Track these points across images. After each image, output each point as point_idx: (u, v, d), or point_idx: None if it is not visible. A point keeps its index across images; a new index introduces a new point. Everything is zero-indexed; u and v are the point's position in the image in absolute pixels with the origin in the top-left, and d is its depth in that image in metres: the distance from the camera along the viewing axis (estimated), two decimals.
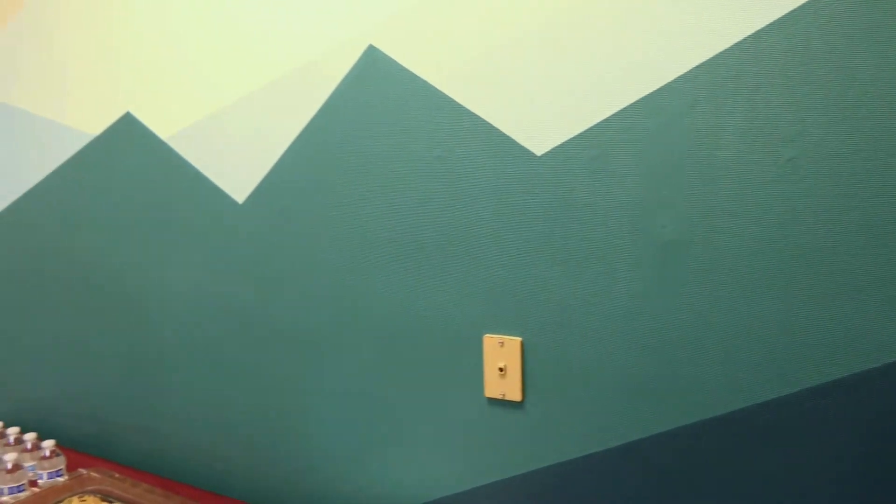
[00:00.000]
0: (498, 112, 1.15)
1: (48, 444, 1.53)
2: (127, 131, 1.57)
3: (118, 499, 1.36)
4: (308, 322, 1.39)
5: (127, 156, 1.58)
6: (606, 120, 1.07)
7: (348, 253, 1.32)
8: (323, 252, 1.35)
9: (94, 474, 1.46)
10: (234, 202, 1.45)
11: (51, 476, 1.51)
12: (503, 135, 1.15)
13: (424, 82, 1.20)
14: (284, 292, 1.41)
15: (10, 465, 1.45)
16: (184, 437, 1.60)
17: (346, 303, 1.34)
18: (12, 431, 1.62)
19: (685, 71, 1.02)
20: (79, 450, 1.78)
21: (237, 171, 1.43)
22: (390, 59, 1.23)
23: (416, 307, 1.27)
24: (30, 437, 1.57)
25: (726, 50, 0.99)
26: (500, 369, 1.20)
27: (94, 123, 1.62)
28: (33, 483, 1.50)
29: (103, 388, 1.72)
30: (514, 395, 1.20)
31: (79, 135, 1.65)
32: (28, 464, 1.51)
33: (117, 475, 1.45)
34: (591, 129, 1.08)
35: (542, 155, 1.12)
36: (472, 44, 1.16)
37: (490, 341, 1.21)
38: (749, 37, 0.97)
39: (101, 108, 1.60)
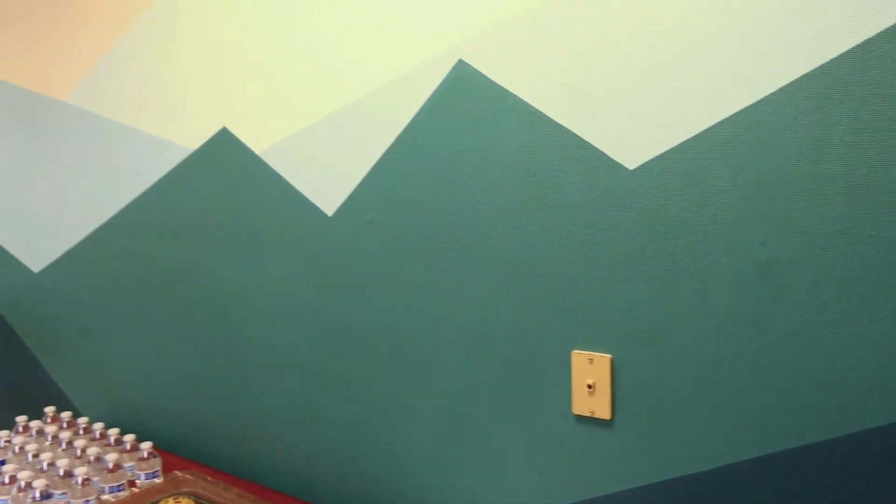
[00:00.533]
0: (589, 126, 1.14)
1: (146, 445, 1.60)
2: (223, 146, 1.63)
3: (211, 502, 1.41)
4: (396, 334, 1.41)
5: (222, 169, 1.64)
6: (703, 133, 1.04)
7: (436, 266, 1.33)
8: (410, 265, 1.37)
9: (188, 477, 1.51)
10: (323, 214, 1.48)
11: (148, 477, 1.57)
12: (594, 148, 1.14)
13: (514, 96, 1.20)
14: (372, 304, 1.43)
15: (111, 465, 1.52)
16: (271, 443, 1.64)
17: (434, 315, 1.35)
18: (112, 432, 1.69)
19: (787, 82, 0.98)
20: (173, 452, 1.85)
21: (327, 184, 1.46)
22: (480, 73, 1.23)
23: (504, 321, 1.26)
24: (129, 438, 1.63)
25: (831, 60, 0.95)
26: (589, 386, 1.19)
27: (193, 138, 1.69)
28: (132, 483, 1.57)
29: (196, 392, 1.78)
30: (604, 413, 1.18)
31: (178, 149, 1.72)
32: (127, 464, 1.58)
33: (210, 479, 1.50)
34: (686, 142, 1.06)
35: (635, 169, 1.10)
36: (562, 58, 1.15)
37: (579, 357, 1.19)
38: (856, 47, 0.93)
39: (198, 123, 1.67)
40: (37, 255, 2.16)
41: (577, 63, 1.14)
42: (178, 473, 1.53)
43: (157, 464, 1.59)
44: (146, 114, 1.78)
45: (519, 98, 1.20)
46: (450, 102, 1.28)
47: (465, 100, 1.26)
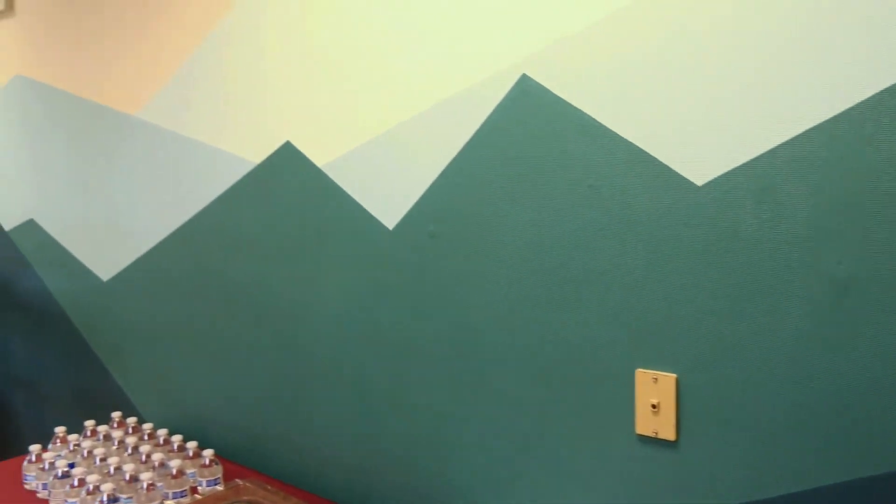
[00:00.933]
0: (656, 141, 1.12)
1: (208, 453, 1.62)
2: (286, 159, 1.66)
3: None
4: (456, 349, 1.40)
5: (285, 182, 1.67)
6: (776, 149, 1.01)
7: (497, 281, 1.33)
8: (471, 279, 1.36)
9: (248, 485, 1.53)
10: (384, 228, 1.49)
11: (209, 484, 1.60)
12: (661, 164, 1.12)
13: (578, 111, 1.19)
14: (432, 318, 1.43)
15: (174, 471, 1.55)
16: (329, 453, 1.66)
17: (495, 332, 1.34)
18: (176, 439, 1.73)
19: (865, 97, 0.95)
20: (233, 460, 1.88)
21: (388, 198, 1.47)
22: (543, 88, 1.23)
23: (566, 338, 1.25)
24: (191, 445, 1.67)
25: None
26: (653, 406, 1.16)
27: (257, 152, 1.72)
28: (193, 489, 1.60)
29: (257, 402, 1.81)
30: (668, 433, 1.15)
31: (242, 162, 1.76)
32: (189, 471, 1.61)
33: (270, 487, 1.51)
34: (758, 158, 1.03)
35: (704, 185, 1.08)
36: (628, 72, 1.14)
37: (643, 376, 1.17)
38: None
39: (263, 137, 1.70)
40: (106, 265, 2.23)
41: (644, 77, 1.12)
42: (239, 482, 1.55)
43: (218, 471, 1.62)
44: (212, 128, 1.82)
45: (583, 112, 1.19)
46: (513, 117, 1.27)
47: (528, 114, 1.25)
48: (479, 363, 1.37)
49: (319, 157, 1.59)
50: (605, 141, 1.17)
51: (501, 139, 1.29)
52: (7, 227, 2.66)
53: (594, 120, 1.18)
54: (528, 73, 1.24)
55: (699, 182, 1.09)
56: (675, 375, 1.14)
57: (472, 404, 1.39)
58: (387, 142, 1.46)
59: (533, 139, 1.25)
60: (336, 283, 1.59)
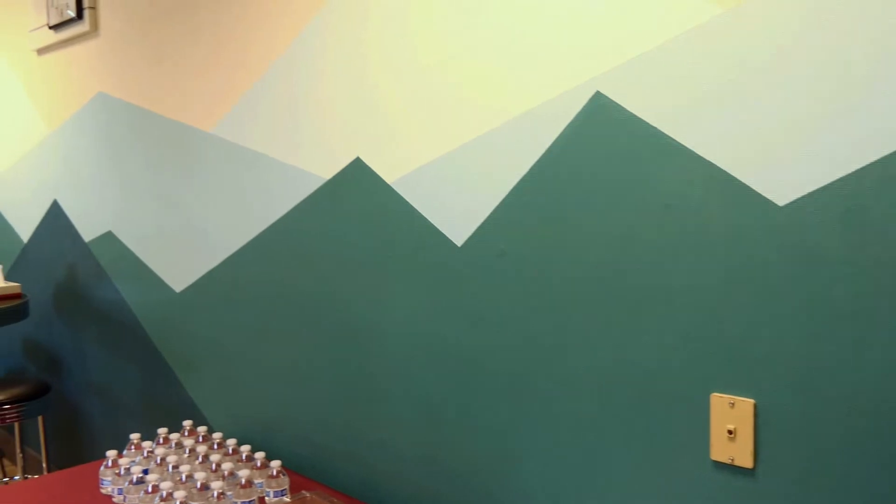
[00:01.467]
0: (735, 159, 1.09)
1: (275, 464, 1.65)
2: (356, 175, 1.69)
3: None
4: (523, 367, 1.39)
5: (354, 197, 1.69)
6: (865, 168, 0.98)
7: (567, 301, 1.31)
8: (541, 298, 1.35)
9: (315, 497, 1.55)
10: (453, 245, 1.49)
11: (276, 494, 1.62)
12: (740, 183, 1.09)
13: (654, 128, 1.17)
14: (500, 336, 1.42)
15: (243, 481, 1.58)
16: (393, 468, 1.66)
17: (564, 350, 1.33)
18: (244, 449, 1.76)
19: None
20: (298, 472, 1.91)
21: (457, 215, 1.48)
22: (618, 105, 1.21)
23: (637, 359, 1.22)
24: (259, 455, 1.69)
25: None
26: (730, 432, 1.13)
27: (327, 168, 1.75)
28: (261, 500, 1.62)
29: (323, 414, 1.83)
30: (745, 461, 1.12)
31: (313, 178, 1.79)
32: (257, 481, 1.64)
33: (335, 500, 1.53)
34: (845, 177, 0.99)
35: (786, 205, 1.05)
36: (706, 88, 1.12)
37: (719, 401, 1.14)
38: None
39: (333, 153, 1.73)
40: (179, 277, 2.30)
41: (723, 94, 1.10)
42: (306, 493, 1.57)
43: (285, 482, 1.64)
44: (284, 144, 1.87)
45: (659, 130, 1.17)
46: (585, 134, 1.26)
47: (602, 132, 1.24)
48: (546, 383, 1.36)
49: (389, 173, 1.61)
50: (682, 159, 1.15)
51: (574, 157, 1.28)
52: (87, 239, 2.77)
53: (671, 138, 1.16)
54: (602, 91, 1.23)
55: (780, 202, 1.05)
56: (753, 401, 1.10)
57: (539, 425, 1.37)
58: (457, 158, 1.47)
59: (606, 157, 1.24)
60: (403, 299, 1.60)
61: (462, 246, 1.48)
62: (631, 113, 1.20)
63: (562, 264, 1.32)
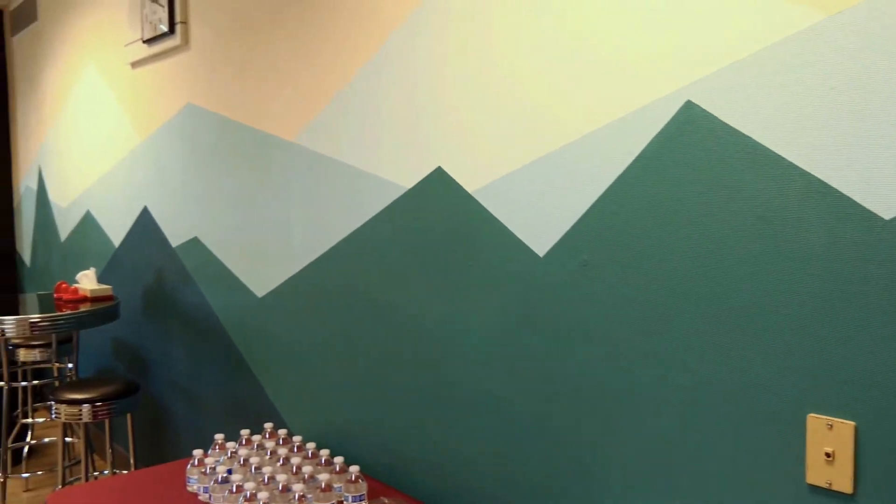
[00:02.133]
0: (835, 170, 1.05)
1: (354, 469, 1.67)
2: (437, 184, 1.70)
3: None
4: (604, 381, 1.37)
5: (435, 206, 1.70)
6: None
7: (652, 314, 1.29)
8: (624, 310, 1.33)
9: (392, 503, 1.56)
10: (534, 254, 1.48)
11: (355, 500, 1.64)
12: (842, 195, 1.05)
13: (748, 138, 1.14)
14: (582, 348, 1.41)
15: (323, 485, 1.60)
16: (468, 478, 1.66)
17: (650, 364, 1.30)
18: (323, 453, 1.79)
19: None
20: (375, 477, 1.92)
21: (540, 224, 1.47)
22: (710, 114, 1.18)
23: (729, 378, 1.19)
24: (338, 460, 1.72)
25: None
26: (827, 455, 1.08)
27: (408, 177, 1.77)
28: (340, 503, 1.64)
29: (399, 421, 1.84)
30: (844, 485, 1.07)
31: (393, 187, 1.81)
32: (336, 485, 1.66)
33: None
34: None
35: (892, 219, 1.00)
36: (805, 98, 1.08)
37: (816, 422, 1.09)
38: None
39: (415, 163, 1.75)
40: (261, 282, 2.36)
41: (823, 103, 1.06)
42: (385, 500, 1.58)
43: (363, 487, 1.66)
44: (365, 153, 1.89)
45: (754, 140, 1.13)
46: (675, 144, 1.24)
47: (692, 142, 1.21)
48: (629, 397, 1.33)
49: (470, 182, 1.61)
50: (778, 170, 1.11)
51: (663, 167, 1.26)
52: (174, 244, 2.88)
53: (766, 148, 1.12)
54: (694, 100, 1.20)
55: (887, 216, 1.01)
56: (853, 423, 1.05)
57: (621, 439, 1.35)
58: (541, 168, 1.46)
59: (697, 167, 1.21)
60: (483, 308, 1.60)
61: (544, 256, 1.47)
62: (724, 122, 1.17)
63: (648, 276, 1.29)
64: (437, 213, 1.70)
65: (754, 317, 1.15)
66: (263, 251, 2.34)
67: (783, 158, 1.10)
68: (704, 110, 1.19)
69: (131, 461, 2.65)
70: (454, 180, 1.65)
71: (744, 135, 1.15)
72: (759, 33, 1.13)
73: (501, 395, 1.57)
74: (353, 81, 1.93)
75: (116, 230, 3.39)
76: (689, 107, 1.21)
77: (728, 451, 1.20)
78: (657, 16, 1.25)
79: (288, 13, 2.16)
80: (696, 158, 1.21)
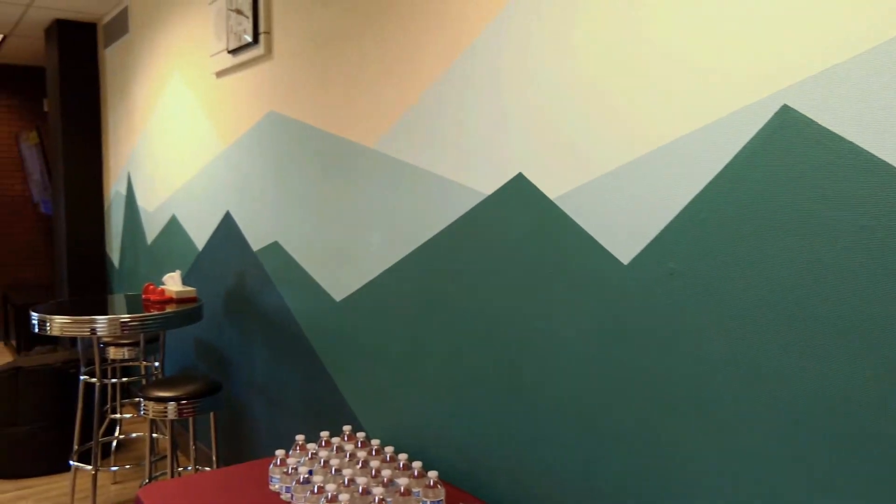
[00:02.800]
0: None
1: (432, 474, 1.67)
2: (517, 191, 1.69)
3: None
4: (692, 392, 1.33)
5: (516, 213, 1.69)
6: None
7: (742, 325, 1.25)
8: (713, 320, 1.29)
9: None
10: (618, 263, 1.46)
11: None
12: None
13: (851, 144, 1.09)
14: (668, 358, 1.37)
15: (402, 489, 1.61)
16: (549, 487, 1.64)
17: (740, 377, 1.26)
18: (402, 457, 1.80)
19: None
20: (452, 483, 1.93)
21: (624, 232, 1.44)
22: (808, 119, 1.14)
23: (826, 392, 1.14)
24: (416, 465, 1.73)
25: None
26: None
27: (488, 183, 1.77)
28: None
29: (477, 427, 1.84)
30: None
31: (474, 193, 1.81)
32: (415, 490, 1.67)
33: None
34: None
35: None
36: None
37: None
38: None
39: (495, 169, 1.74)
40: (340, 286, 2.40)
41: None
42: None
43: (441, 493, 1.66)
44: (445, 160, 1.90)
45: (857, 146, 1.08)
46: (770, 150, 1.19)
47: (789, 147, 1.17)
48: (719, 409, 1.29)
49: (552, 189, 1.60)
50: (885, 177, 1.06)
51: (756, 174, 1.22)
52: (255, 248, 2.96)
53: (869, 153, 1.07)
54: (791, 104, 1.16)
55: None
56: None
57: (711, 452, 1.31)
58: (627, 174, 1.43)
59: (793, 174, 1.16)
60: (564, 316, 1.58)
61: (629, 264, 1.44)
62: (823, 127, 1.12)
63: (739, 286, 1.25)
64: (518, 219, 1.69)
65: (856, 330, 1.10)
66: (342, 256, 2.38)
67: (888, 164, 1.05)
68: (802, 115, 1.15)
69: (213, 458, 2.73)
70: (535, 186, 1.64)
71: (845, 139, 1.10)
72: (861, 34, 1.08)
73: (585, 403, 1.55)
74: (433, 88, 1.94)
75: (200, 234, 3.51)
76: (785, 111, 1.17)
77: (832, 470, 1.15)
78: (753, 18, 1.21)
79: (370, 22, 2.19)
80: (792, 164, 1.17)
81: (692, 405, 1.34)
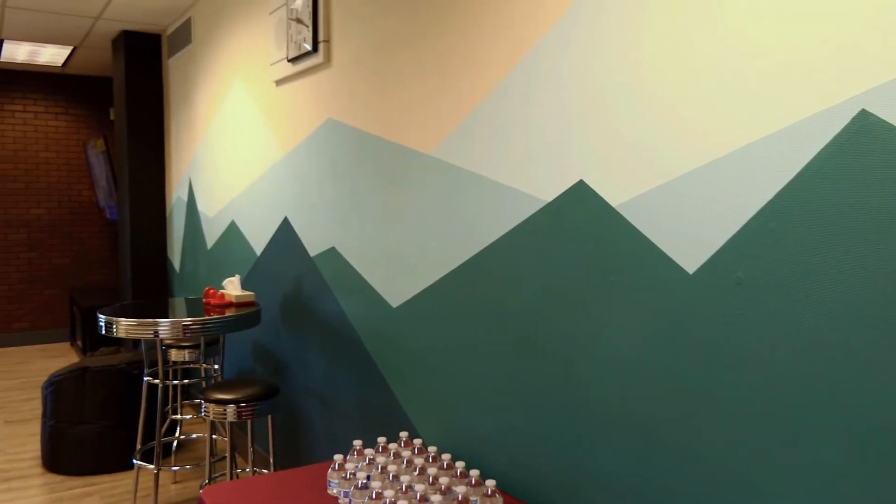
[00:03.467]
0: None
1: (490, 483, 1.66)
2: (578, 198, 1.67)
3: None
4: (760, 407, 1.29)
5: (575, 220, 1.67)
6: None
7: (816, 337, 1.20)
8: (783, 332, 1.25)
9: None
10: (683, 272, 1.43)
11: None
12: None
13: None
14: (734, 371, 1.34)
15: (460, 497, 1.60)
16: (608, 500, 1.61)
17: (812, 392, 1.21)
18: (459, 465, 1.79)
19: None
20: (509, 492, 1.91)
21: (689, 240, 1.41)
22: (888, 124, 1.10)
23: None
24: (474, 473, 1.72)
25: None
26: None
27: (548, 190, 1.75)
28: None
29: (534, 437, 1.82)
30: None
31: (533, 200, 1.80)
32: (473, 498, 1.66)
33: None
34: None
35: None
36: None
37: None
38: None
39: (555, 176, 1.73)
40: (396, 292, 2.41)
41: None
42: None
43: (499, 502, 1.65)
44: (503, 166, 1.89)
45: None
46: (846, 156, 1.15)
47: (867, 153, 1.12)
48: (787, 425, 1.25)
49: (614, 196, 1.58)
50: None
51: (831, 180, 1.17)
52: (312, 254, 3.00)
53: None
54: (869, 109, 1.12)
55: None
56: None
57: (779, 469, 1.27)
58: (693, 181, 1.40)
59: (872, 181, 1.12)
60: (625, 326, 1.56)
61: (693, 273, 1.41)
62: None
63: (811, 298, 1.21)
64: (578, 226, 1.67)
65: None
66: (399, 262, 2.39)
67: None
68: (882, 120, 1.11)
69: (271, 461, 2.76)
70: (597, 193, 1.62)
71: None
72: None
73: (647, 415, 1.52)
74: (492, 94, 1.93)
75: (258, 239, 3.57)
76: (863, 116, 1.13)
77: None
78: (830, 20, 1.18)
79: (428, 30, 2.20)
80: (871, 172, 1.12)
81: (761, 422, 1.29)
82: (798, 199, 1.22)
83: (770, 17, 1.26)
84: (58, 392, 3.57)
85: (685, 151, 1.42)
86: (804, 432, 1.23)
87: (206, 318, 2.77)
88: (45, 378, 5.45)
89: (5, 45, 5.43)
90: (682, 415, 1.44)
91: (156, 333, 2.70)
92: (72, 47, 5.55)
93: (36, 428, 4.27)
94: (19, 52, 5.71)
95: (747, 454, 1.32)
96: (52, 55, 5.81)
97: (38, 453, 3.85)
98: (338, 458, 1.83)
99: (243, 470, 3.25)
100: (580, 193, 1.67)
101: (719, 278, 1.36)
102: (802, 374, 1.23)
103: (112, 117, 6.87)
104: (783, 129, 1.24)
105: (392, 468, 1.76)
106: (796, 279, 1.23)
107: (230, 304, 3.09)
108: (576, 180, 1.67)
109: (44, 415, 3.64)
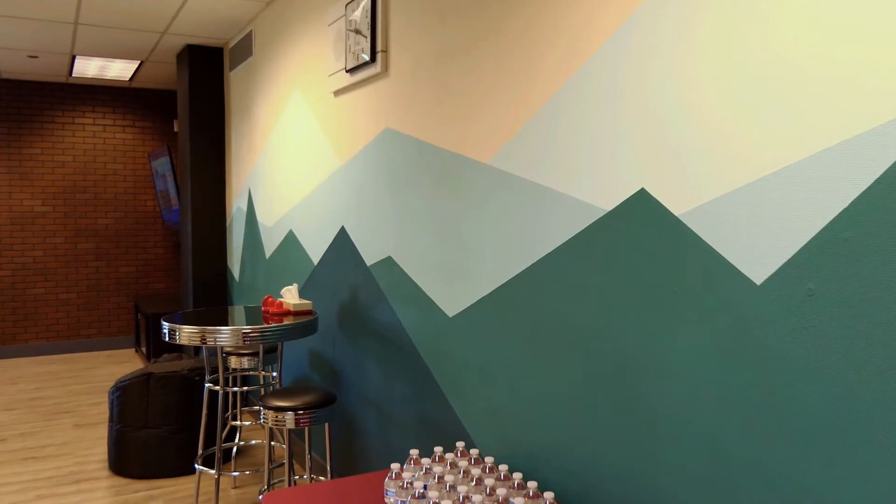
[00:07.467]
0: None
1: (548, 495, 1.64)
2: (639, 206, 1.64)
3: None
4: (833, 424, 1.24)
5: (637, 230, 1.64)
6: None
7: (894, 352, 1.15)
8: (858, 346, 1.20)
9: None
10: (751, 283, 1.38)
11: None
12: None
13: None
14: (805, 386, 1.28)
15: None
16: None
17: (886, 405, 1.16)
18: (516, 476, 1.77)
19: None
20: (563, 503, 1.88)
21: (758, 251, 1.37)
22: None
23: None
24: (531, 485, 1.69)
25: None
26: None
27: (608, 199, 1.72)
28: None
29: (593, 450, 1.78)
30: None
31: (592, 209, 1.77)
32: None
33: None
34: None
35: None
36: None
37: None
38: None
39: (615, 184, 1.70)
40: (452, 301, 2.41)
41: None
42: None
43: None
44: (562, 175, 1.87)
45: None
46: None
47: None
48: (864, 444, 1.19)
49: (677, 205, 1.54)
50: None
51: None
52: (368, 263, 3.02)
53: None
54: None
55: None
56: None
57: (854, 491, 1.21)
58: (761, 189, 1.36)
59: None
60: (690, 338, 1.51)
61: (762, 284, 1.36)
62: None
63: (889, 310, 1.15)
64: (639, 236, 1.64)
65: None
66: (456, 272, 2.39)
67: None
68: None
69: (328, 468, 2.78)
70: (659, 202, 1.59)
71: None
72: None
73: (712, 431, 1.47)
74: (549, 103, 1.92)
75: (316, 248, 3.62)
76: None
77: None
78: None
79: (485, 39, 2.20)
80: None
81: (834, 440, 1.24)
82: (874, 209, 1.17)
83: (834, 24, 1.21)
84: (124, 397, 3.67)
85: (752, 159, 1.38)
86: (878, 449, 1.17)
87: (265, 326, 2.82)
88: (111, 383, 5.63)
89: (77, 61, 5.66)
90: (753, 431, 1.39)
91: (216, 341, 2.75)
92: (139, 62, 5.74)
93: (103, 431, 4.41)
94: (90, 68, 5.94)
95: (819, 475, 1.27)
96: (120, 69, 6.02)
97: (105, 456, 3.97)
98: (395, 467, 1.83)
99: (301, 476, 3.29)
100: (642, 202, 1.63)
101: (790, 289, 1.31)
102: (880, 391, 1.17)
103: (176, 129, 7.08)
104: (858, 136, 1.19)
105: (449, 478, 1.75)
106: (873, 291, 1.18)
107: (288, 313, 3.13)
108: (637, 189, 1.64)
109: (110, 419, 3.75)
